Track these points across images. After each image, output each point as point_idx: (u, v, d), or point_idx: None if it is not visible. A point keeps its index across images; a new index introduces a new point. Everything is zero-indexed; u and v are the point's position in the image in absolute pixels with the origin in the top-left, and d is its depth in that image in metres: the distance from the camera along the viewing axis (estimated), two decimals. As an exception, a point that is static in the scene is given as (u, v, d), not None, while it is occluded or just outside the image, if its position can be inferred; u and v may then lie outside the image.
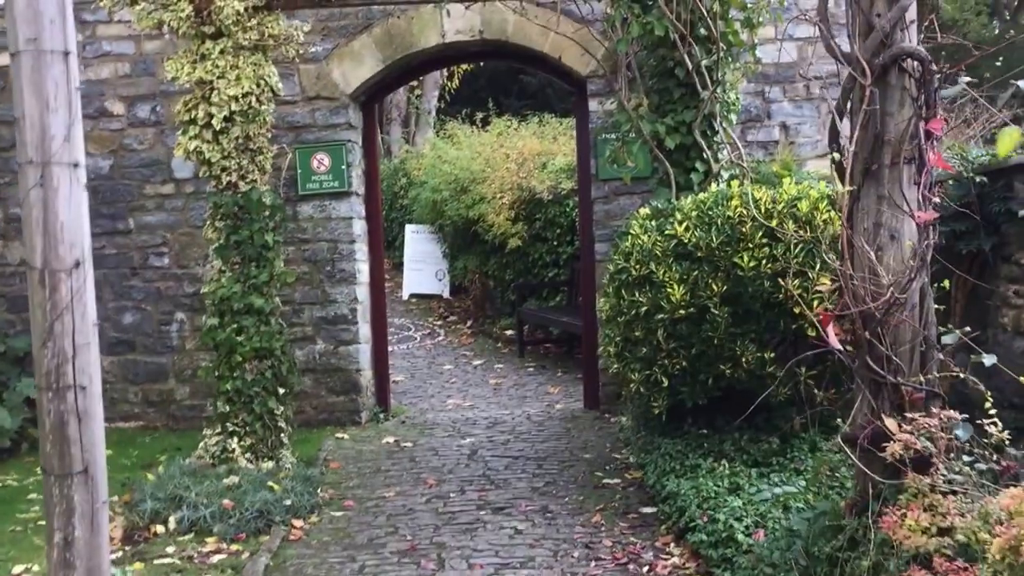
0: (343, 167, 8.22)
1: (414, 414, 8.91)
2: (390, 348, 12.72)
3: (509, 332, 12.81)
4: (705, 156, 6.79)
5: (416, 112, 21.85)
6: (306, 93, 8.26)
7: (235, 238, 6.62)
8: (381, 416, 8.53)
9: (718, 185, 6.57)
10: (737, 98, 7.02)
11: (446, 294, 15.33)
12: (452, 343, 12.93)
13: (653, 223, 6.03)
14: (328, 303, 8.30)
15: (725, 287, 5.53)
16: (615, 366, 6.07)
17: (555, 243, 12.38)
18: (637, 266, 5.84)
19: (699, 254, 5.65)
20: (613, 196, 8.17)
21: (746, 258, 5.49)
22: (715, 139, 6.86)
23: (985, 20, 18.90)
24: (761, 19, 6.85)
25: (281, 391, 6.73)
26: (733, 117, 6.98)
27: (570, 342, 11.85)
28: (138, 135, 8.37)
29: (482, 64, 23.65)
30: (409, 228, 15.78)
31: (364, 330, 8.43)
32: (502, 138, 14.29)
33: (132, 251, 8.44)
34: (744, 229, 5.57)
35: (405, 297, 15.59)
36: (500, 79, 24.76)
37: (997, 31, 18.35)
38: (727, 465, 5.60)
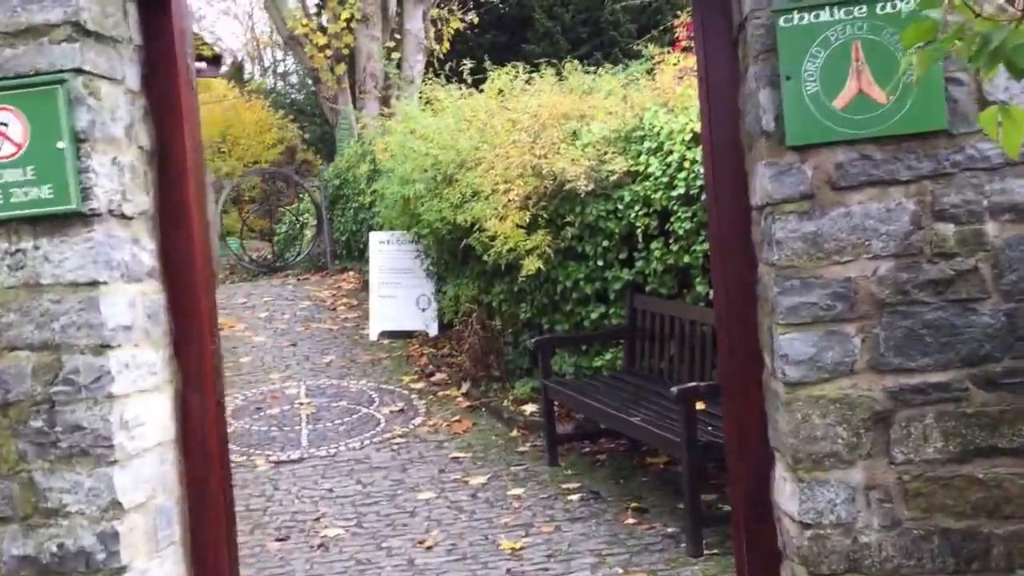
0: (60, 145, 2.76)
1: None
2: (330, 451, 7.19)
3: (529, 409, 7.37)
4: None
5: (397, 82, 16.24)
6: (-55, -60, 2.79)
7: None
8: None
9: None
10: None
11: (433, 330, 9.87)
12: (437, 430, 7.45)
13: None
14: (41, 519, 2.86)
15: None
16: None
17: (599, 263, 6.91)
18: None
19: None
20: (833, 192, 2.67)
21: None
22: None
23: None
24: None
25: None
26: None
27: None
28: None
29: (478, 28, 18.36)
30: (375, 237, 10.26)
31: None
32: (504, 98, 8.77)
33: None
34: None
35: (373, 337, 10.12)
36: (500, 50, 19.50)
37: None
38: None
